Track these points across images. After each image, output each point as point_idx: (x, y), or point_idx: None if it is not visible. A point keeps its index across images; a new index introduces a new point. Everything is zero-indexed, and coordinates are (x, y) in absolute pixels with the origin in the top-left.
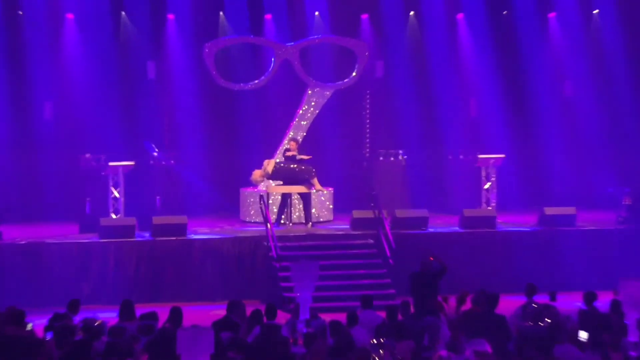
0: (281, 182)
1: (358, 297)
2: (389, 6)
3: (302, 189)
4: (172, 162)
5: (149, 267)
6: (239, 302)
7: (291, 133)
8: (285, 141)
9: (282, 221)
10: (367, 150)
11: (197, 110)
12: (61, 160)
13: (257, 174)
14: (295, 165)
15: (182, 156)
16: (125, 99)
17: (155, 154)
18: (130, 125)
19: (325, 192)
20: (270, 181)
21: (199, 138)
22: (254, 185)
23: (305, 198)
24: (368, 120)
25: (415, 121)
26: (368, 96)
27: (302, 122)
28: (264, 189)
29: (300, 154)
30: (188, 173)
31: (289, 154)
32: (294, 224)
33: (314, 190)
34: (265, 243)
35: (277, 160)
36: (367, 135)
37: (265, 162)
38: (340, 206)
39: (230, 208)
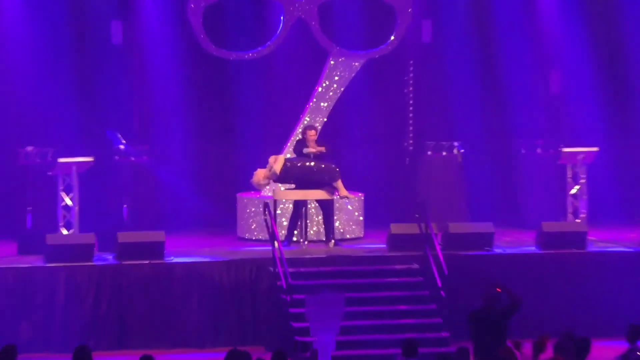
0: (293, 186)
1: (399, 342)
2: None
3: (321, 194)
4: (145, 158)
5: (113, 301)
6: (244, 352)
7: (307, 118)
8: (299, 129)
9: (294, 238)
10: (410, 141)
11: (179, 87)
12: None
13: (260, 174)
14: (312, 163)
15: (158, 150)
16: (81, 72)
17: (122, 146)
18: (88, 108)
19: (353, 199)
20: (279, 184)
21: (181, 126)
22: (256, 189)
23: (326, 207)
24: (411, 102)
25: (475, 102)
26: (411, 68)
27: (322, 104)
28: (269, 194)
29: (316, 145)
30: (166, 173)
31: (310, 145)
32: (310, 242)
33: (338, 197)
34: (272, 268)
35: (288, 156)
36: (410, 122)
37: (272, 158)
38: (374, 218)
39: (224, 220)
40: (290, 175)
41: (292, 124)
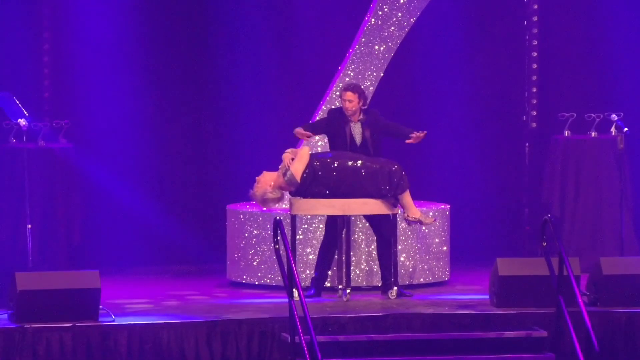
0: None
1: None
2: None
3: (375, 207)
4: (64, 142)
5: None
6: None
7: (349, 73)
8: (335, 92)
9: (327, 284)
10: (533, 113)
11: (124, 23)
12: None
13: (267, 181)
14: (359, 163)
15: (86, 129)
16: None
17: (24, 122)
18: None
19: (431, 222)
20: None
21: (126, 88)
22: (260, 205)
23: (384, 230)
24: (535, 54)
25: None
26: None
27: (376, 47)
28: (283, 206)
29: (370, 118)
30: (101, 168)
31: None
32: (355, 289)
33: (402, 215)
34: (288, 336)
35: (318, 143)
36: (534, 83)
37: (287, 154)
38: (467, 247)
39: (204, 252)
40: (319, 183)
41: (324, 85)
